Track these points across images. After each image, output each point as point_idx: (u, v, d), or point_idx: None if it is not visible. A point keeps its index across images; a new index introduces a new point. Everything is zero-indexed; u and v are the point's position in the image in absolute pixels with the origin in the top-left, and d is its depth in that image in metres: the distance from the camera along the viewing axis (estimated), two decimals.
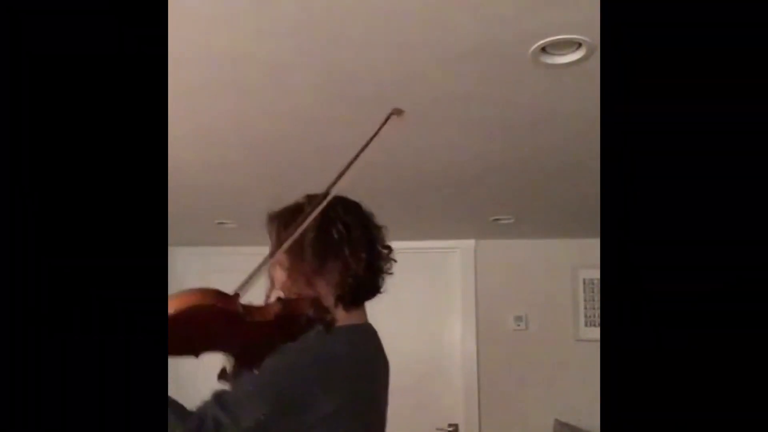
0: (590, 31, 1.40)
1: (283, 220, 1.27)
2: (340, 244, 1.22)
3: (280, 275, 1.24)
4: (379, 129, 1.00)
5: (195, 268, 4.33)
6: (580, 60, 1.52)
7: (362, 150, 1.14)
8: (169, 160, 2.30)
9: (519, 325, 3.92)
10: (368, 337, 1.27)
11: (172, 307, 0.98)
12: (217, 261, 4.28)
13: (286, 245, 1.12)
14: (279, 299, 1.11)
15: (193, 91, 1.77)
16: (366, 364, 1.22)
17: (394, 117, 0.98)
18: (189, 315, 0.98)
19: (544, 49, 1.49)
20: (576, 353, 3.79)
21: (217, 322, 1.03)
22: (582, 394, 3.57)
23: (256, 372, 1.08)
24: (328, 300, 1.21)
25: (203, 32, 1.45)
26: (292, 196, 3.20)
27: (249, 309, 1.06)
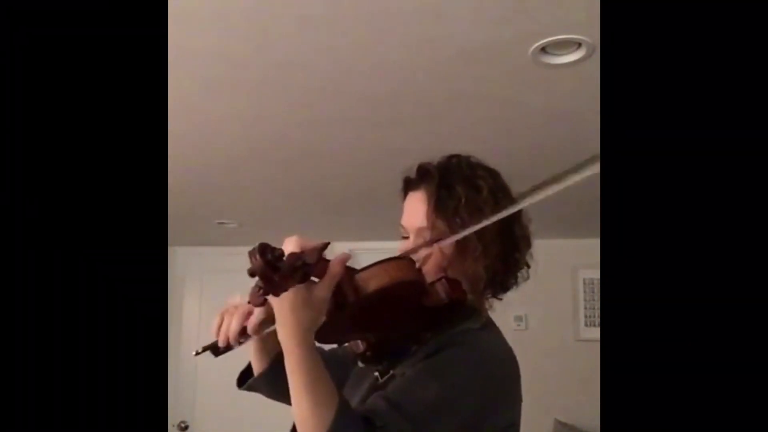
0: (590, 31, 1.40)
1: (443, 181, 1.00)
2: (513, 223, 1.01)
3: (434, 251, 0.98)
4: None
5: (195, 268, 4.33)
6: (580, 60, 1.52)
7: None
8: (169, 160, 2.30)
9: (519, 325, 3.92)
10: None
11: (377, 281, 0.87)
12: (217, 261, 4.28)
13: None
14: (446, 280, 0.95)
15: (194, 91, 1.77)
16: (518, 365, 1.02)
17: None
18: (390, 291, 0.88)
19: (544, 49, 1.49)
20: (576, 353, 3.79)
21: (405, 301, 0.93)
22: (582, 394, 3.57)
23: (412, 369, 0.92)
24: (481, 285, 1.01)
25: (203, 32, 1.45)
26: (293, 195, 3.19)
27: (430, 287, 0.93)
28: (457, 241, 0.96)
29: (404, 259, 0.94)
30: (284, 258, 0.77)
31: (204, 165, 2.49)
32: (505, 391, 0.96)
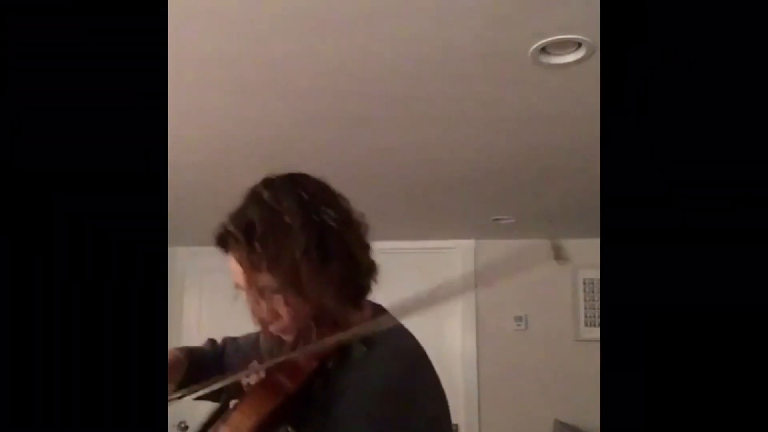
0: (590, 31, 1.40)
1: (247, 240, 0.96)
2: (341, 235, 0.96)
3: (282, 305, 0.94)
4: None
5: (195, 268, 4.33)
6: (580, 60, 1.52)
7: None
8: (170, 159, 2.30)
9: (519, 325, 3.92)
10: (400, 326, 0.99)
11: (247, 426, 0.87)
12: (217, 261, 4.27)
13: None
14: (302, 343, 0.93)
15: (194, 91, 1.77)
16: (427, 359, 0.99)
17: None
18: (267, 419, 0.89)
19: (544, 49, 1.49)
20: (576, 353, 3.79)
21: (286, 403, 0.91)
22: (582, 394, 3.57)
23: None
24: (335, 304, 0.95)
25: (203, 32, 1.45)
26: None
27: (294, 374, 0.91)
28: (298, 290, 0.91)
29: (264, 388, 0.92)
30: None
31: (204, 165, 2.49)
32: (425, 394, 0.94)
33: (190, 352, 1.21)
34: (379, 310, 1.03)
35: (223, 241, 1.01)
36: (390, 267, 1.17)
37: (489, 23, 1.39)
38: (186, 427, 4.13)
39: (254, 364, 0.98)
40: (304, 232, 0.92)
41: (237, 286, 0.99)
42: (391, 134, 2.11)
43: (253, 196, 1.01)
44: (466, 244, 3.98)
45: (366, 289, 1.00)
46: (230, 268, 1.00)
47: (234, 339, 1.27)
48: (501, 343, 3.88)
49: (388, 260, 1.17)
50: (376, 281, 1.01)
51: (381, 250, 1.09)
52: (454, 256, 3.99)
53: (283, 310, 0.94)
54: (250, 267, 0.94)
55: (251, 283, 0.94)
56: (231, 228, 0.99)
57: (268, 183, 1.02)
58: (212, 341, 1.28)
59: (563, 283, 3.91)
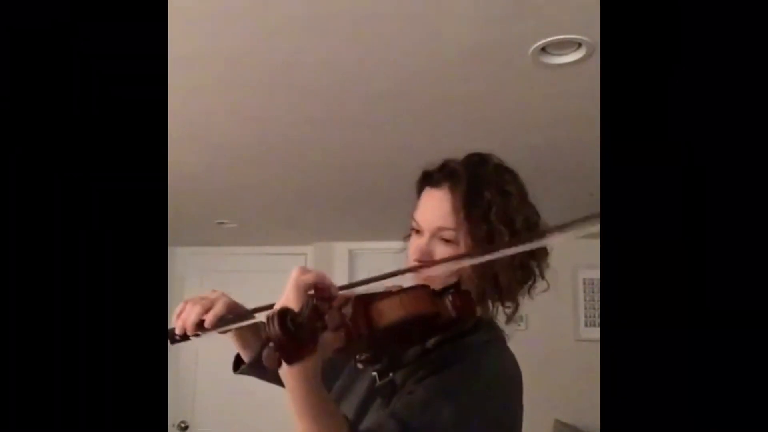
0: (590, 31, 1.40)
1: (471, 182, 0.95)
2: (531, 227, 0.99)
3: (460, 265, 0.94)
4: None
5: (195, 268, 4.34)
6: (580, 60, 1.52)
7: None
8: (169, 160, 2.30)
9: (519, 325, 3.91)
10: None
11: (392, 315, 0.87)
12: (217, 261, 4.28)
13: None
14: (456, 294, 0.93)
15: (194, 91, 1.77)
16: (521, 377, 1.02)
17: None
18: (403, 323, 0.87)
19: (544, 49, 1.49)
20: (576, 353, 3.79)
21: (416, 326, 0.93)
22: (582, 394, 3.56)
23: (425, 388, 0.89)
24: (494, 297, 1.01)
25: (203, 32, 1.45)
26: (293, 195, 3.18)
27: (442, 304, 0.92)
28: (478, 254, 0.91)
29: (423, 289, 0.92)
30: (304, 324, 0.73)
31: (204, 165, 2.49)
32: (512, 408, 0.95)
33: None
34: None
35: (440, 174, 1.00)
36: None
37: (489, 23, 1.39)
38: (186, 427, 4.13)
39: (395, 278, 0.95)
40: (521, 206, 0.97)
41: (425, 224, 1.00)
42: (391, 134, 2.11)
43: (472, 158, 1.01)
44: None
45: (516, 298, 1.06)
46: (426, 203, 1.01)
47: None
48: None
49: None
50: (528, 295, 1.05)
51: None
52: None
53: (464, 271, 0.94)
54: (464, 210, 0.94)
55: (455, 223, 0.94)
56: (458, 166, 0.98)
57: (486, 156, 1.02)
58: None
59: (563, 283, 3.91)
